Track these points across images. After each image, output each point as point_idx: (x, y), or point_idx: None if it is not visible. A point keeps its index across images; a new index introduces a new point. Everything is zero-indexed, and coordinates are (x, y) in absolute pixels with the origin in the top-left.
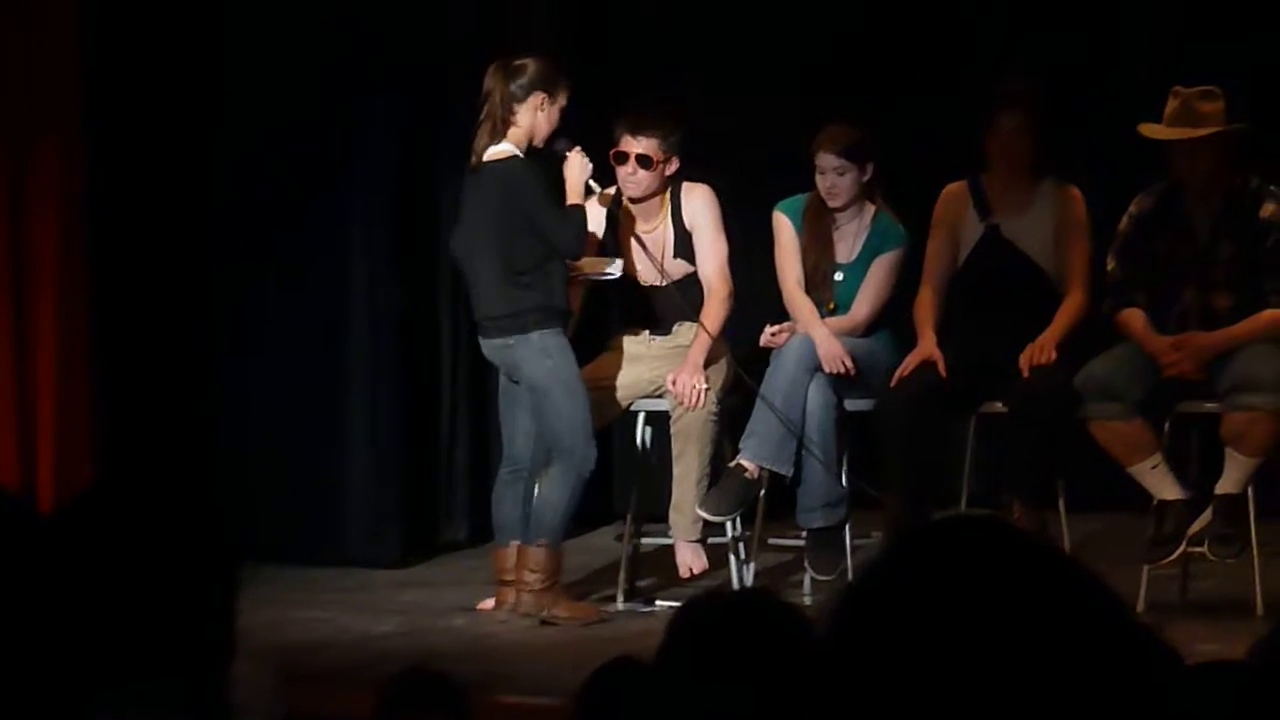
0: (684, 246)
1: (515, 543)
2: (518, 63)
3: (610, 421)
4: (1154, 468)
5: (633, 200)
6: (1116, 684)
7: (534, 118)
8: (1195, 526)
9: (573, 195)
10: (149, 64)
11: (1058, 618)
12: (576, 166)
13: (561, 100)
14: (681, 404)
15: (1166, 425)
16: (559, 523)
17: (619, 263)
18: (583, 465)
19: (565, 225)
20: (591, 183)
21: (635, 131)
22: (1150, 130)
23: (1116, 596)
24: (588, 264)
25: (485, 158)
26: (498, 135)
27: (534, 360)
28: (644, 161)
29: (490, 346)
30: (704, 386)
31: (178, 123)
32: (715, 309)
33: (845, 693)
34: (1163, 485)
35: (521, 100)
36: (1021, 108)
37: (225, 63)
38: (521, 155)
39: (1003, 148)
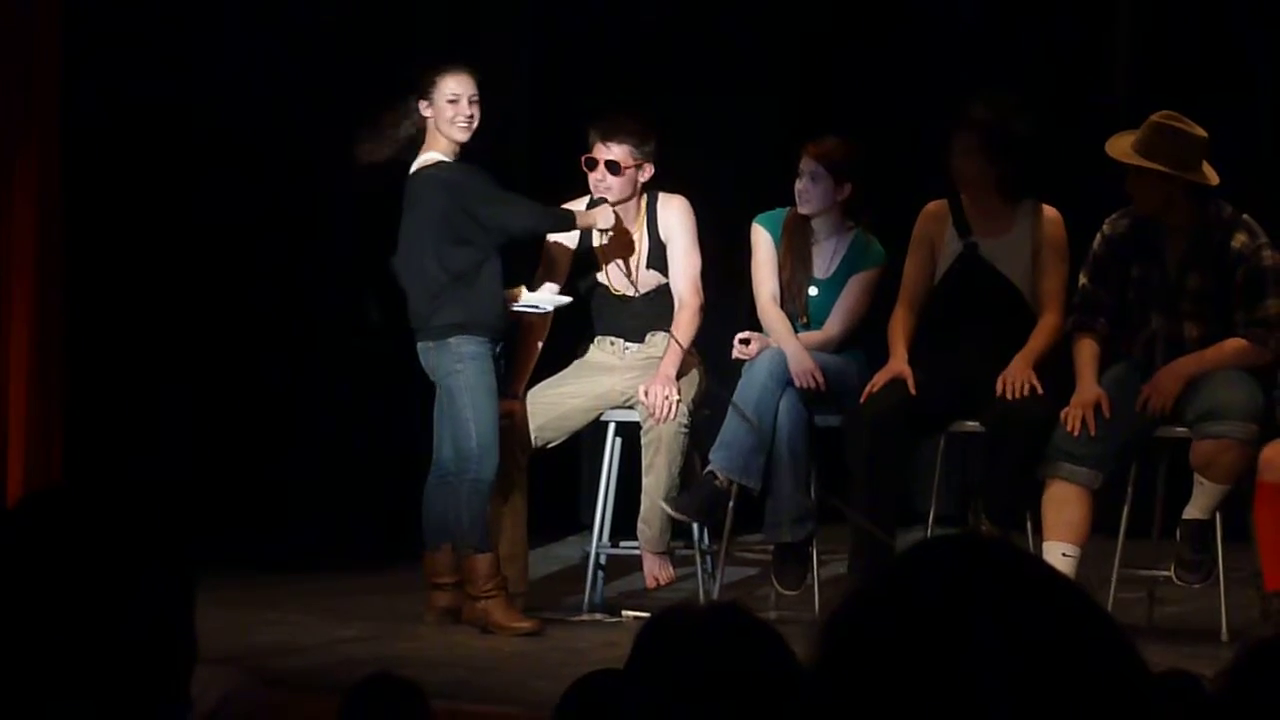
0: (657, 257)
1: (446, 547)
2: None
3: (578, 431)
4: (1064, 555)
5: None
6: (1112, 703)
7: (431, 124)
8: None
9: (586, 220)
10: (126, 68)
11: (1063, 638)
12: (606, 213)
13: (441, 94)
14: (653, 415)
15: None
16: (471, 527)
17: (550, 291)
18: (478, 473)
19: (514, 207)
20: (597, 233)
21: (607, 138)
22: (1110, 146)
23: (1105, 612)
24: (522, 295)
25: (412, 170)
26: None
27: (446, 365)
28: (612, 167)
29: (419, 350)
30: (676, 398)
31: (156, 128)
32: (686, 320)
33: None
34: None
35: (415, 114)
36: (973, 129)
37: (204, 67)
38: (445, 159)
39: (954, 168)
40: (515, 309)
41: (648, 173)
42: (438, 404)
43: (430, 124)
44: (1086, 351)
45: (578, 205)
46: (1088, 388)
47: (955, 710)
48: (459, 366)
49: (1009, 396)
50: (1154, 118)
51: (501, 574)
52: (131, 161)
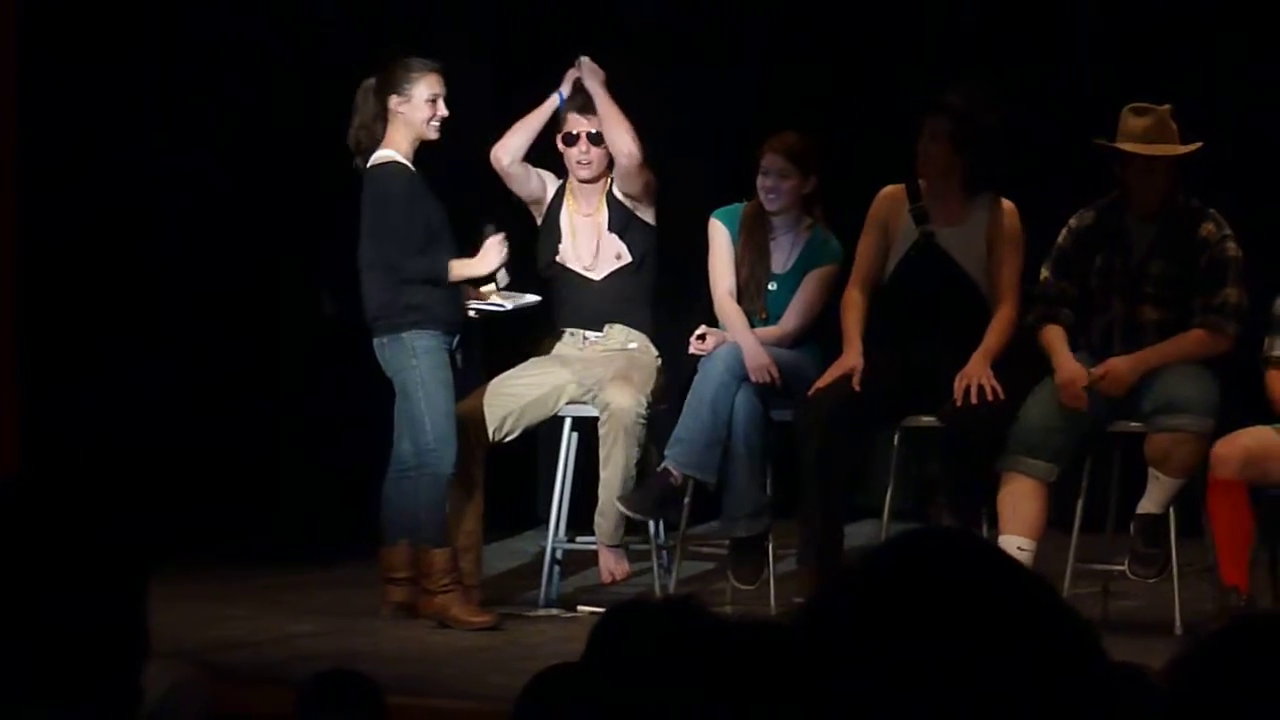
0: (619, 220)
1: (403, 542)
2: (375, 78)
3: (536, 425)
4: (1020, 550)
5: (583, 181)
6: (1072, 690)
7: (400, 119)
8: None
9: (464, 270)
10: (85, 53)
11: (1030, 630)
12: (491, 255)
13: (422, 92)
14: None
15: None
16: (428, 522)
17: (514, 297)
18: (437, 467)
19: (394, 239)
20: (500, 275)
21: (585, 110)
22: (1136, 146)
23: (1065, 602)
24: (489, 292)
25: (369, 164)
26: (365, 149)
27: (400, 360)
28: (595, 139)
29: (375, 346)
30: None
31: (112, 115)
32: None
33: (825, 698)
34: None
35: (383, 112)
36: (945, 116)
37: (163, 49)
38: (401, 159)
39: (920, 153)
40: (474, 306)
41: None
42: (397, 400)
43: (398, 119)
44: (1055, 336)
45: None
46: (1068, 366)
47: (927, 697)
48: (413, 362)
49: (972, 400)
50: (1157, 108)
51: (459, 569)
52: (90, 144)
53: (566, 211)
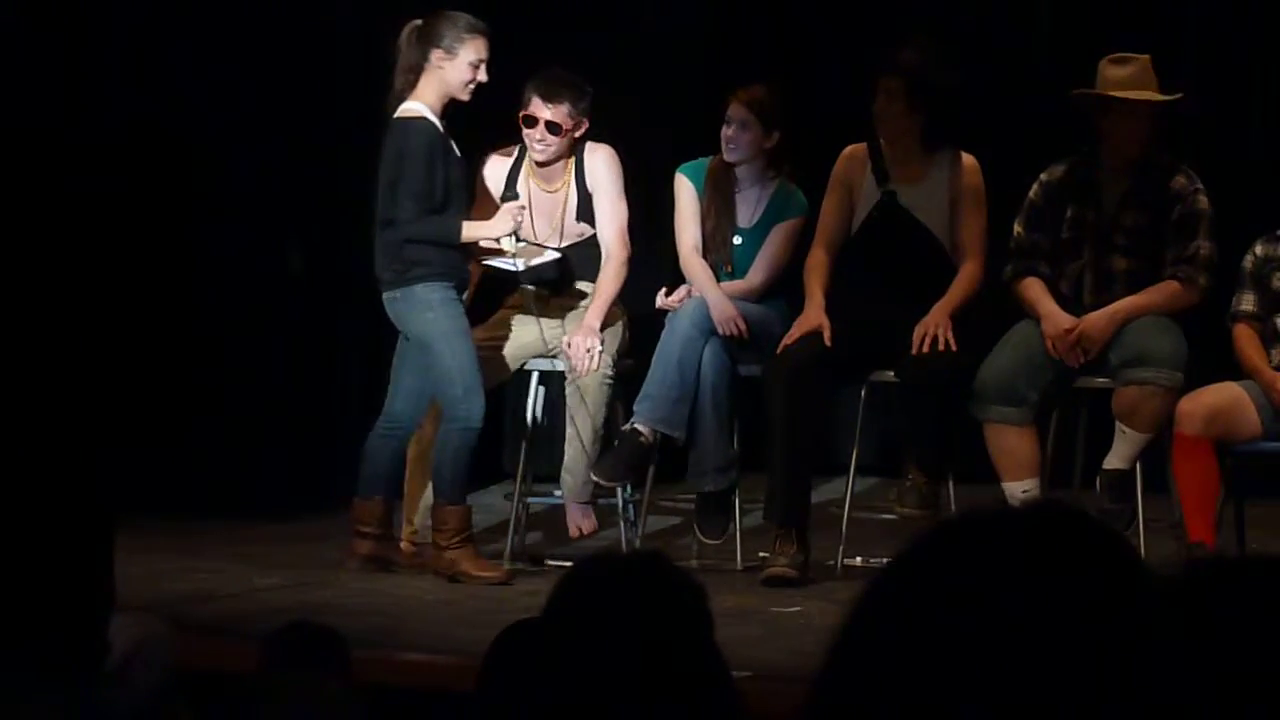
0: (585, 209)
1: (378, 497)
2: (421, 22)
3: (504, 381)
4: (1025, 492)
5: (539, 164)
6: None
7: (438, 75)
8: None
9: (475, 232)
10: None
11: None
12: (504, 220)
13: (468, 54)
14: (575, 367)
15: (1056, 410)
16: (452, 478)
17: (530, 251)
18: (467, 419)
19: (409, 197)
20: (506, 241)
21: (548, 98)
22: (1123, 91)
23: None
24: (505, 246)
25: (396, 115)
26: (403, 96)
27: (416, 313)
28: (553, 128)
29: (385, 301)
30: (598, 349)
31: (61, 74)
32: (613, 272)
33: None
34: None
35: (423, 61)
36: (899, 75)
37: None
38: (430, 115)
39: (877, 113)
40: (487, 264)
41: (583, 128)
42: (397, 356)
43: (435, 73)
44: (1037, 288)
45: (503, 160)
46: (1059, 319)
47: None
48: (430, 314)
49: (924, 349)
50: (1138, 57)
51: (472, 525)
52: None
53: (525, 186)
